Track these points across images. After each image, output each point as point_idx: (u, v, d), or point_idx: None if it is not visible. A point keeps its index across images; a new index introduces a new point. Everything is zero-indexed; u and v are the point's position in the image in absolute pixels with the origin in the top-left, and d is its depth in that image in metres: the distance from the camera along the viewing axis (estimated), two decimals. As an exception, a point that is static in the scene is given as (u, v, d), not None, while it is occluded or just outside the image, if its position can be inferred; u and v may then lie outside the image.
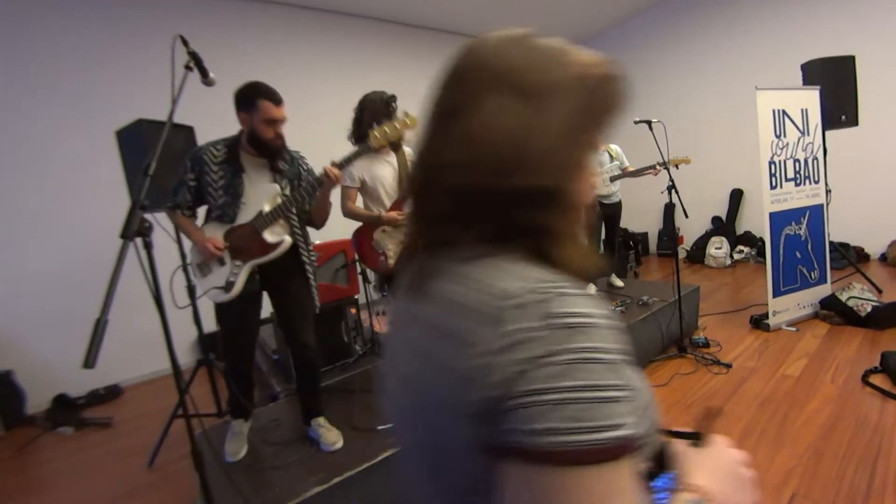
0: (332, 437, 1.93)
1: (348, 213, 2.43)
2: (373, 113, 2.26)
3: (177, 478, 2.36)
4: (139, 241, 1.12)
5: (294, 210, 1.85)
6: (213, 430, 2.21)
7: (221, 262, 1.78)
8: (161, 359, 1.17)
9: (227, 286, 1.76)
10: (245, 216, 1.78)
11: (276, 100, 1.74)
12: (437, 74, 0.49)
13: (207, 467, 1.33)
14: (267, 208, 1.78)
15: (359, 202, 2.50)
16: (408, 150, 2.48)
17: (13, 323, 3.45)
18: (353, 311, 3.07)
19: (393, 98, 2.32)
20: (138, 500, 2.24)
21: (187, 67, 1.42)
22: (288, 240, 1.81)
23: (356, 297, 3.13)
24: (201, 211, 1.90)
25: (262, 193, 1.79)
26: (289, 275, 1.91)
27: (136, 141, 2.40)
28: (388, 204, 2.41)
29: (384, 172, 2.40)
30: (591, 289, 3.67)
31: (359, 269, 3.21)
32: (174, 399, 1.38)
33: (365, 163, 2.37)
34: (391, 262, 2.37)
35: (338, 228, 3.42)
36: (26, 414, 3.33)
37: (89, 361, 0.90)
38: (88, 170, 3.66)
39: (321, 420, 2.02)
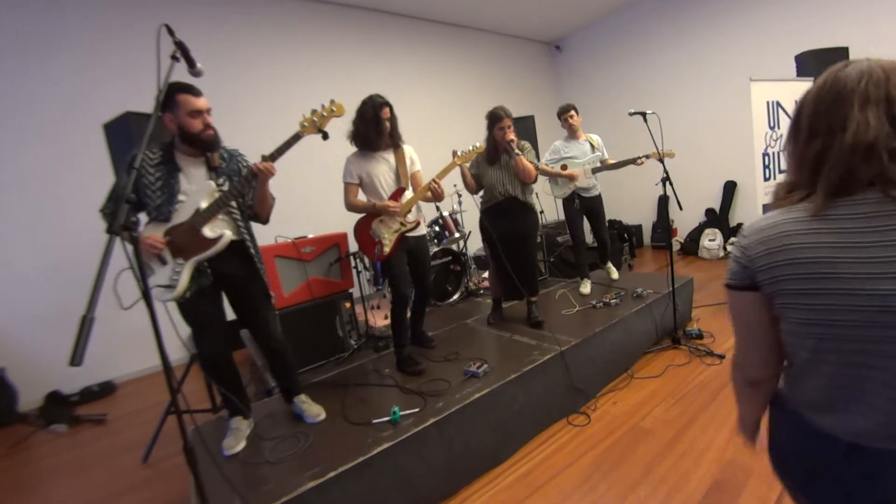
0: (314, 409, 2.05)
1: (350, 206, 2.52)
2: (363, 118, 2.39)
3: (171, 474, 2.35)
4: (126, 235, 1.09)
5: (234, 204, 1.87)
6: (206, 426, 2.20)
7: (163, 261, 1.78)
8: (155, 354, 1.16)
9: (172, 284, 1.75)
10: (183, 214, 1.78)
11: (195, 92, 1.75)
12: (842, 83, 0.72)
13: (202, 463, 1.32)
14: (204, 205, 1.79)
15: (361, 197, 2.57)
16: (407, 149, 2.57)
17: (4, 320, 3.41)
18: (348, 305, 3.06)
19: (383, 105, 2.41)
20: (133, 497, 2.23)
21: (173, 58, 1.39)
22: (228, 234, 1.81)
23: (350, 290, 3.12)
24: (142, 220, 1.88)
25: (198, 191, 1.80)
26: (239, 272, 1.93)
27: (124, 134, 2.37)
28: (386, 197, 2.50)
29: (381, 169, 2.50)
30: (586, 283, 3.68)
31: (353, 263, 3.20)
32: (168, 395, 1.37)
33: (362, 161, 2.48)
34: (386, 249, 2.46)
35: (334, 221, 3.40)
36: (18, 411, 3.30)
37: (76, 359, 0.88)
38: (77, 164, 3.61)
39: (303, 396, 2.14)
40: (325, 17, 5.13)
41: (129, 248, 1.14)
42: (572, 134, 3.68)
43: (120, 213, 1.07)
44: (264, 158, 1.83)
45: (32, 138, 3.51)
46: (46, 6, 3.54)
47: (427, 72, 6.03)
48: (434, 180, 2.44)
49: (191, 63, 1.45)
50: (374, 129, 2.40)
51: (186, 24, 3.41)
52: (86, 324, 0.91)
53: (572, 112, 3.63)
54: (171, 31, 1.37)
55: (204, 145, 1.81)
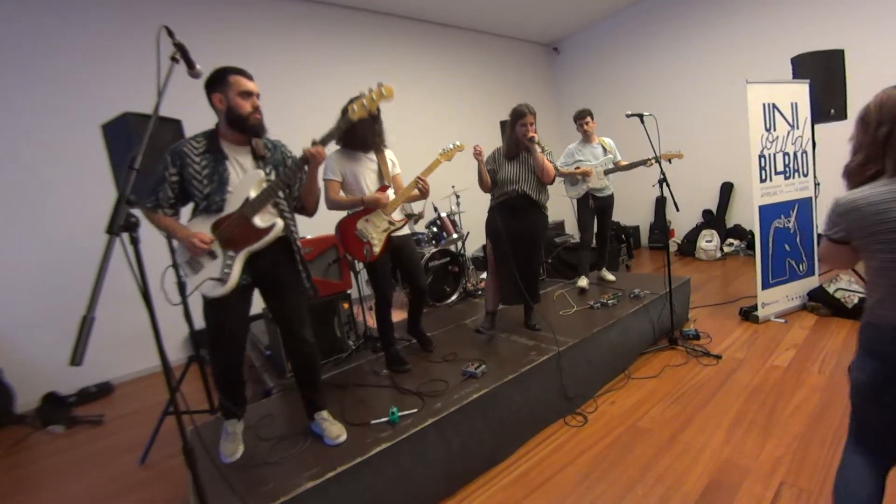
0: (335, 430, 1.91)
1: (332, 203, 2.49)
2: (360, 119, 2.33)
3: (169, 474, 2.35)
4: (126, 236, 1.10)
5: (281, 194, 1.82)
6: (204, 426, 2.20)
7: (213, 255, 1.73)
8: (153, 355, 1.16)
9: (223, 277, 1.71)
10: (232, 205, 1.74)
11: (247, 75, 1.75)
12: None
13: (200, 464, 1.32)
14: (253, 194, 1.74)
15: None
16: (388, 152, 2.58)
17: (1, 321, 3.40)
18: (346, 306, 3.06)
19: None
20: (131, 498, 2.23)
21: (173, 59, 1.39)
22: (280, 223, 1.78)
23: (348, 291, 3.12)
24: (185, 211, 1.85)
25: (246, 180, 1.76)
26: (279, 266, 1.87)
27: (123, 135, 2.37)
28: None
29: (365, 169, 2.50)
30: (584, 282, 3.70)
31: (350, 264, 3.20)
32: (166, 395, 1.36)
33: (346, 160, 2.47)
34: (376, 249, 2.42)
35: (332, 222, 3.39)
36: (15, 413, 3.29)
37: (76, 359, 0.89)
38: (75, 164, 3.61)
39: (325, 414, 2.00)
40: (322, 19, 5.14)
41: (130, 247, 1.14)
42: (587, 138, 3.80)
43: (119, 214, 1.07)
44: (314, 143, 1.79)
45: (29, 139, 3.50)
46: (44, 6, 3.53)
47: (424, 73, 6.05)
48: (420, 178, 2.43)
49: (190, 65, 1.46)
50: (368, 129, 2.38)
51: (186, 25, 3.41)
52: (86, 323, 0.91)
53: (588, 118, 3.73)
54: (170, 33, 1.38)
55: (251, 130, 1.77)
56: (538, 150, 2.67)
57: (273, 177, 1.82)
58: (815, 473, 1.78)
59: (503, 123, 4.73)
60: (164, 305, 1.66)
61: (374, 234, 2.43)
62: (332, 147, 2.46)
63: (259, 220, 1.75)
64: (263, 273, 1.85)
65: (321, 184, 2.17)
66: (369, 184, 2.49)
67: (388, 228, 2.45)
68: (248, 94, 1.73)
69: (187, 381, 2.72)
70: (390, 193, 2.50)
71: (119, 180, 2.43)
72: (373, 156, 2.53)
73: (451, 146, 2.60)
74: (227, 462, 1.82)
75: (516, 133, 2.76)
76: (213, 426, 2.17)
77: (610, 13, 6.74)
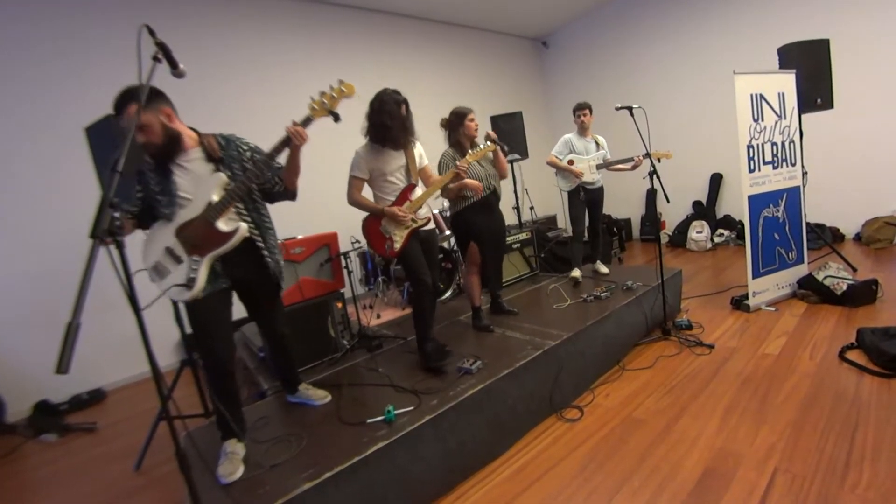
0: (319, 393, 2.10)
1: (354, 202, 2.50)
2: (391, 115, 2.38)
3: (165, 480, 2.33)
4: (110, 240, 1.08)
5: (241, 196, 1.78)
6: (198, 431, 2.18)
7: (178, 260, 1.72)
8: (145, 360, 1.14)
9: (189, 283, 1.68)
10: (193, 210, 1.71)
11: (116, 107, 1.62)
12: None
13: (195, 469, 1.30)
14: (215, 198, 1.71)
15: (367, 192, 2.58)
16: (417, 145, 2.59)
17: (-13, 329, 3.35)
18: (339, 305, 3.04)
19: (403, 102, 2.45)
20: (126, 504, 2.21)
21: (155, 59, 1.37)
22: (244, 226, 1.75)
23: (342, 290, 3.10)
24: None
25: (206, 184, 1.72)
26: (248, 267, 1.87)
27: (107, 137, 2.33)
28: (396, 193, 2.49)
29: (393, 165, 2.49)
30: (577, 273, 3.72)
31: (343, 263, 3.18)
32: (159, 401, 1.34)
33: (373, 156, 2.46)
34: (396, 246, 2.45)
35: (324, 221, 3.37)
36: (6, 422, 3.25)
37: (62, 366, 0.87)
38: (59, 167, 3.55)
39: (303, 385, 2.24)
40: (310, 15, 5.09)
41: (115, 252, 1.12)
42: (582, 131, 3.84)
43: (103, 218, 1.05)
44: (295, 124, 1.75)
45: (12, 142, 3.43)
46: (25, 8, 3.46)
47: (411, 69, 6.01)
48: (458, 165, 2.54)
49: (173, 64, 1.43)
50: (401, 126, 2.40)
51: (171, 25, 3.37)
52: (72, 330, 0.89)
53: (586, 111, 3.80)
54: (151, 32, 1.35)
55: (158, 156, 1.71)
56: (499, 149, 2.81)
57: (236, 175, 1.77)
58: (808, 459, 1.80)
59: (493, 119, 4.74)
60: (154, 309, 1.64)
61: (397, 231, 2.46)
62: (361, 142, 2.51)
63: (223, 224, 1.73)
64: (240, 282, 1.89)
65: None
66: (395, 180, 2.50)
67: (411, 226, 2.49)
68: (141, 128, 1.62)
69: (180, 385, 2.69)
70: (418, 191, 2.54)
71: (103, 183, 2.41)
72: (401, 151, 2.52)
73: (482, 146, 2.70)
74: (225, 483, 1.66)
75: (466, 130, 2.85)
76: (206, 431, 2.15)
77: (597, 6, 6.75)
